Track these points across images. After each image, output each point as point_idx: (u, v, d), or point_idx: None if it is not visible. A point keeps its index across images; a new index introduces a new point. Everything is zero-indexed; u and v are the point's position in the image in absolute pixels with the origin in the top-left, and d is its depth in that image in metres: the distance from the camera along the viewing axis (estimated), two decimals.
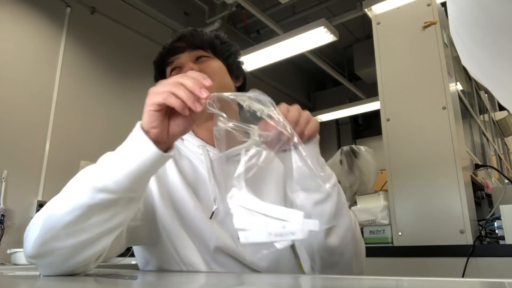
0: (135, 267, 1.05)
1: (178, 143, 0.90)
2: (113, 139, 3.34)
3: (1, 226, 2.45)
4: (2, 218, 2.45)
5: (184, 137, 0.90)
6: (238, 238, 0.79)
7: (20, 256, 2.06)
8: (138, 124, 0.60)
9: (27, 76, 2.79)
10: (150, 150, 0.56)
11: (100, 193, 0.56)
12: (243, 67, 0.99)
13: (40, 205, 2.67)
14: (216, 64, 0.90)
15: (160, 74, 0.93)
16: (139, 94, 3.56)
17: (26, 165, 2.68)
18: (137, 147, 0.57)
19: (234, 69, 0.94)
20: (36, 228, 0.60)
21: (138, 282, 0.62)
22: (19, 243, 2.70)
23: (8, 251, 2.09)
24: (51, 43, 2.98)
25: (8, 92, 2.66)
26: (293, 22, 4.25)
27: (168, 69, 0.91)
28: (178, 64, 0.89)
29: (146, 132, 0.58)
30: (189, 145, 0.89)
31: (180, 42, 0.90)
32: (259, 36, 4.55)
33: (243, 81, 0.98)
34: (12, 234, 2.53)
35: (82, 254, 0.61)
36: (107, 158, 0.61)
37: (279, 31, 3.87)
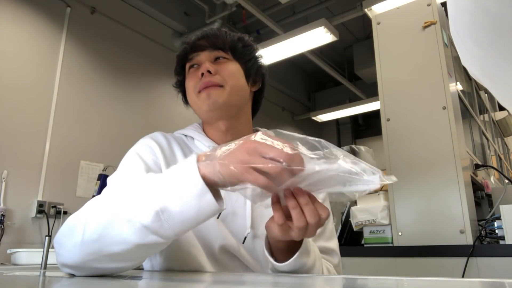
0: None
1: (188, 141, 0.91)
2: (113, 139, 3.36)
3: (1, 226, 2.45)
4: (2, 218, 2.45)
5: (195, 136, 0.91)
6: (244, 241, 0.79)
7: (20, 256, 2.06)
8: (196, 169, 0.55)
9: (27, 76, 2.80)
10: (211, 205, 0.55)
11: (152, 235, 0.56)
12: (264, 71, 0.99)
13: (40, 205, 2.67)
14: (233, 67, 0.89)
15: (181, 68, 0.95)
16: (139, 94, 3.57)
17: (26, 165, 2.68)
18: (198, 199, 0.55)
19: (252, 73, 0.93)
20: (75, 242, 0.59)
21: (139, 282, 0.62)
22: (19, 243, 2.71)
23: (8, 251, 2.09)
24: (51, 43, 2.98)
25: (8, 92, 2.66)
26: (293, 22, 4.25)
27: (187, 65, 0.92)
28: (197, 62, 0.90)
29: (205, 179, 0.55)
30: (199, 144, 0.90)
31: (202, 41, 0.91)
32: (259, 36, 4.55)
33: (262, 86, 0.98)
34: (12, 234, 2.54)
35: (120, 271, 0.64)
36: (159, 193, 0.56)
37: (279, 31, 3.88)
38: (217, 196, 0.57)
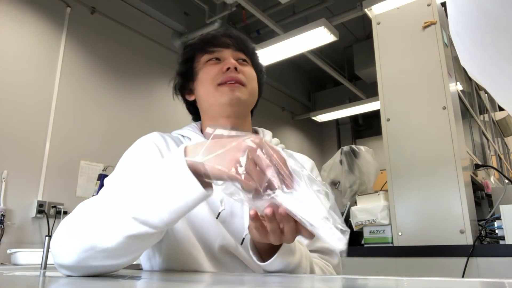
0: (135, 266, 1.05)
1: (185, 142, 0.91)
2: (113, 139, 3.36)
3: (1, 226, 2.45)
4: (2, 218, 2.45)
5: (192, 137, 0.90)
6: (242, 242, 0.79)
7: (20, 256, 2.06)
8: (182, 157, 0.56)
9: (27, 76, 2.80)
10: (197, 190, 0.55)
11: (142, 226, 0.56)
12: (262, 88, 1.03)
13: (40, 205, 2.67)
14: (253, 71, 0.94)
15: (189, 60, 0.95)
16: (139, 94, 3.57)
17: (26, 165, 2.68)
18: (184, 187, 0.55)
19: (261, 84, 0.98)
20: (71, 242, 0.60)
21: (138, 282, 0.62)
22: (19, 243, 2.71)
23: (8, 251, 2.09)
24: (51, 43, 2.98)
25: (8, 92, 2.66)
26: (293, 22, 4.25)
27: (205, 57, 0.92)
28: (219, 56, 0.91)
29: (191, 168, 0.56)
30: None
31: (227, 39, 0.93)
32: (259, 36, 4.55)
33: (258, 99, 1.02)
34: (12, 234, 2.54)
35: (117, 268, 0.64)
36: (147, 186, 0.58)
37: (279, 31, 3.88)
38: (206, 183, 0.57)
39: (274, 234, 0.59)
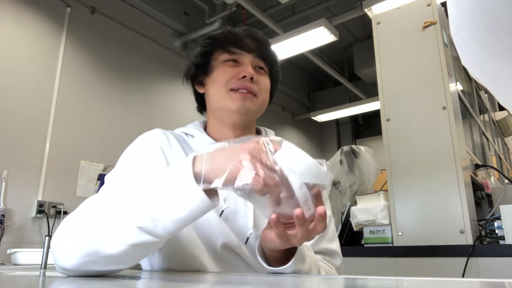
0: (135, 266, 1.05)
1: (188, 139, 0.90)
2: (113, 139, 3.36)
3: (1, 226, 2.45)
4: (2, 218, 2.45)
5: (195, 134, 0.89)
6: (246, 241, 0.79)
7: (20, 256, 2.06)
8: (189, 166, 0.56)
9: (27, 76, 2.80)
10: (201, 200, 0.55)
11: (146, 235, 0.56)
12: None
13: (40, 205, 2.67)
14: (268, 82, 0.91)
15: (207, 53, 0.91)
16: (139, 94, 3.57)
17: (26, 165, 2.68)
18: (188, 196, 0.55)
19: (273, 94, 0.97)
20: (73, 246, 0.59)
21: (139, 282, 0.62)
22: (19, 243, 2.71)
23: (8, 251, 2.09)
24: (51, 43, 2.98)
25: (8, 92, 2.66)
26: (293, 22, 4.25)
27: (224, 56, 0.89)
28: (238, 59, 0.88)
29: (197, 177, 0.56)
30: (200, 142, 0.88)
31: (251, 40, 0.90)
32: None
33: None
34: (12, 234, 2.54)
35: (116, 272, 0.64)
36: (153, 195, 0.57)
37: (279, 31, 3.88)
38: (212, 192, 0.57)
39: (303, 236, 0.58)
